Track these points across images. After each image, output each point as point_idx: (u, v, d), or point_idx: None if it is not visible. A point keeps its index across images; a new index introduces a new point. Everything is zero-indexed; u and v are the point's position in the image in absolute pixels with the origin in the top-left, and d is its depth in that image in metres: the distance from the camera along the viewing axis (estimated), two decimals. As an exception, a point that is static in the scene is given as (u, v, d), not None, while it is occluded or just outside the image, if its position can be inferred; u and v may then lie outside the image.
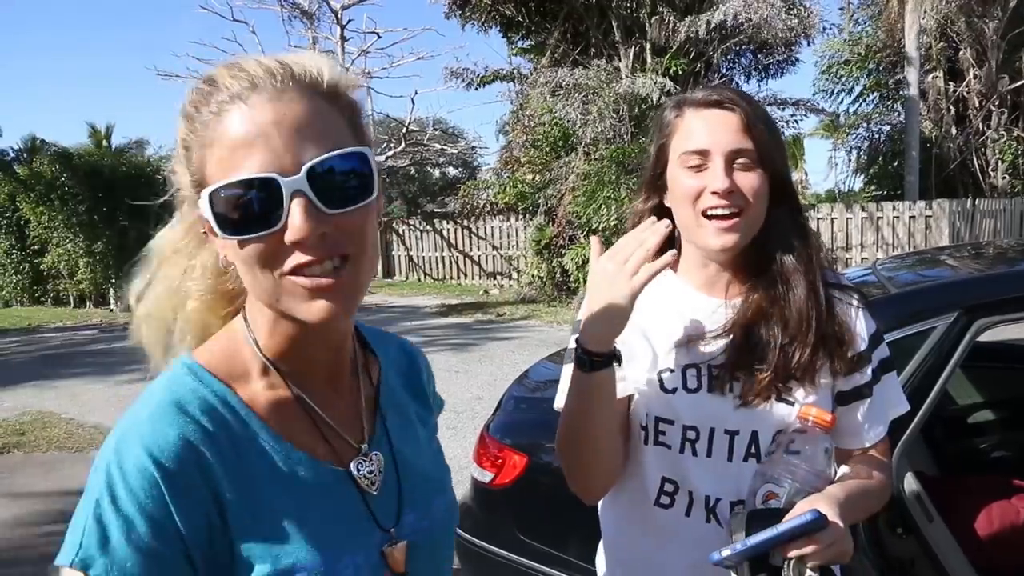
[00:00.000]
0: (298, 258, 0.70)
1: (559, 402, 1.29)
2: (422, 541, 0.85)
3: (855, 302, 1.20)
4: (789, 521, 0.96)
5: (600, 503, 1.35)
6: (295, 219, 0.68)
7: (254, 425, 0.76)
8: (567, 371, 1.27)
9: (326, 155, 0.69)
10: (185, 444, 0.70)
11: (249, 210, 0.69)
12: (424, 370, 1.01)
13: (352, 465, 0.81)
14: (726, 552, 0.97)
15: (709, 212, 1.12)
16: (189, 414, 0.72)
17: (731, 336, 1.14)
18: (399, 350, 0.99)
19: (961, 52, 15.43)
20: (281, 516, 0.74)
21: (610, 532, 1.32)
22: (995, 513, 2.16)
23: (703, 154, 1.12)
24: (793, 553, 0.96)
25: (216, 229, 0.71)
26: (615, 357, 1.08)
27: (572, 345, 1.25)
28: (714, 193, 1.10)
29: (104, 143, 20.46)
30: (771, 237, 1.14)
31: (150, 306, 0.86)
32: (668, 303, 1.21)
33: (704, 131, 1.13)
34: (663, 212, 1.22)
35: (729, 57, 13.55)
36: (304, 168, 0.68)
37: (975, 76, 15.32)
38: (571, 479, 1.20)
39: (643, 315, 1.21)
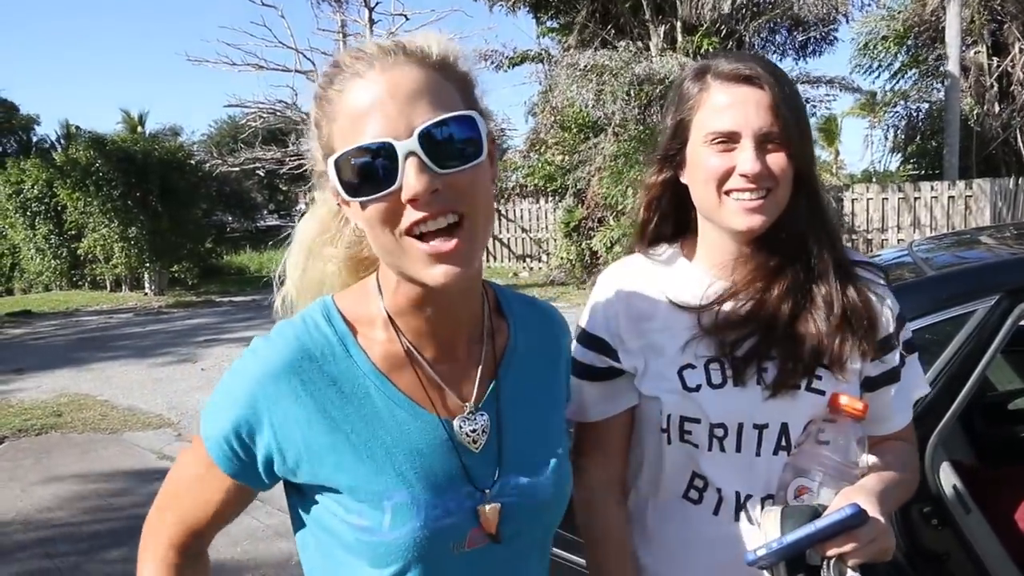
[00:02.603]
0: (413, 215, 0.76)
1: (576, 412, 1.20)
2: (522, 505, 0.88)
3: (881, 281, 1.14)
4: (827, 517, 0.91)
5: (629, 501, 1.28)
6: (409, 178, 0.75)
7: (363, 366, 0.85)
8: (579, 384, 1.17)
9: (436, 118, 0.76)
10: (288, 370, 0.82)
11: (368, 173, 0.76)
12: (563, 338, 1.04)
13: (456, 421, 0.87)
14: (761, 551, 0.92)
15: (735, 194, 1.06)
16: (305, 346, 0.84)
17: (754, 324, 1.08)
18: (540, 316, 1.02)
19: (1006, 25, 14.92)
20: (373, 446, 0.83)
21: (637, 531, 1.25)
22: (1037, 504, 2.08)
23: (732, 136, 1.05)
24: (832, 551, 0.91)
25: (342, 193, 0.79)
26: None
27: (577, 354, 1.18)
28: (743, 175, 1.04)
29: (139, 129, 20.77)
30: (792, 220, 1.08)
31: (301, 284, 0.97)
32: (685, 290, 1.14)
33: (733, 111, 1.05)
34: (678, 187, 1.16)
35: (763, 35, 13.27)
36: (416, 131, 0.75)
37: (1021, 50, 14.80)
38: None
39: (658, 306, 1.14)
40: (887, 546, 0.94)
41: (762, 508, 1.07)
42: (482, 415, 0.88)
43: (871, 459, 1.10)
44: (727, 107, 1.06)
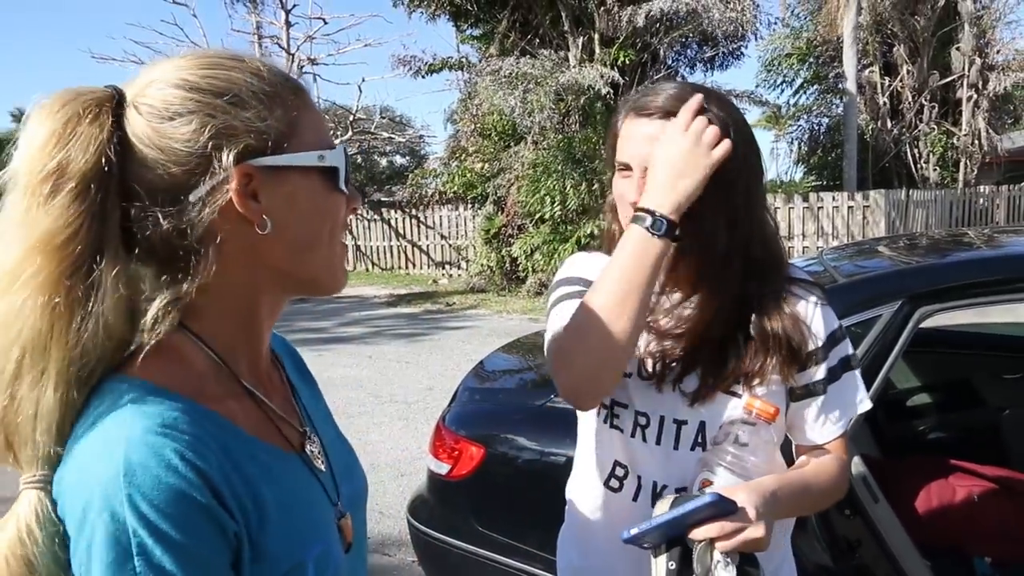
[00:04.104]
0: (345, 221, 0.80)
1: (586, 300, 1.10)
2: (355, 508, 0.89)
3: (813, 299, 1.18)
4: (688, 503, 0.97)
5: (568, 486, 1.36)
6: (352, 188, 0.80)
7: (231, 431, 0.72)
8: (566, 307, 1.15)
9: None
10: (197, 462, 0.64)
11: (347, 173, 0.78)
12: (292, 346, 1.03)
13: (307, 448, 0.84)
14: (634, 531, 0.99)
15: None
16: (183, 432, 0.65)
17: (685, 339, 1.15)
18: (279, 339, 0.98)
19: (895, 48, 15.96)
20: (285, 512, 0.72)
21: (571, 516, 1.34)
22: (933, 492, 2.25)
23: (627, 166, 1.15)
24: (697, 535, 0.97)
25: (344, 184, 0.78)
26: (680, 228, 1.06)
27: (558, 294, 1.22)
28: (631, 203, 1.11)
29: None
30: (708, 244, 1.11)
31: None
32: None
33: (630, 143, 1.14)
34: None
35: (675, 49, 13.73)
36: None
37: (908, 72, 15.87)
38: (584, 374, 1.09)
39: None
40: (756, 537, 0.97)
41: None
42: (315, 433, 0.86)
43: (801, 460, 1.18)
44: (626, 139, 1.16)
